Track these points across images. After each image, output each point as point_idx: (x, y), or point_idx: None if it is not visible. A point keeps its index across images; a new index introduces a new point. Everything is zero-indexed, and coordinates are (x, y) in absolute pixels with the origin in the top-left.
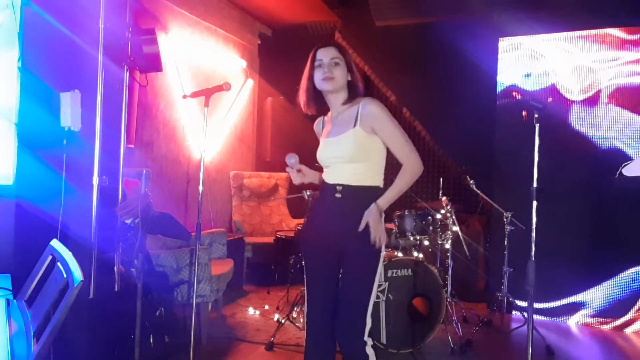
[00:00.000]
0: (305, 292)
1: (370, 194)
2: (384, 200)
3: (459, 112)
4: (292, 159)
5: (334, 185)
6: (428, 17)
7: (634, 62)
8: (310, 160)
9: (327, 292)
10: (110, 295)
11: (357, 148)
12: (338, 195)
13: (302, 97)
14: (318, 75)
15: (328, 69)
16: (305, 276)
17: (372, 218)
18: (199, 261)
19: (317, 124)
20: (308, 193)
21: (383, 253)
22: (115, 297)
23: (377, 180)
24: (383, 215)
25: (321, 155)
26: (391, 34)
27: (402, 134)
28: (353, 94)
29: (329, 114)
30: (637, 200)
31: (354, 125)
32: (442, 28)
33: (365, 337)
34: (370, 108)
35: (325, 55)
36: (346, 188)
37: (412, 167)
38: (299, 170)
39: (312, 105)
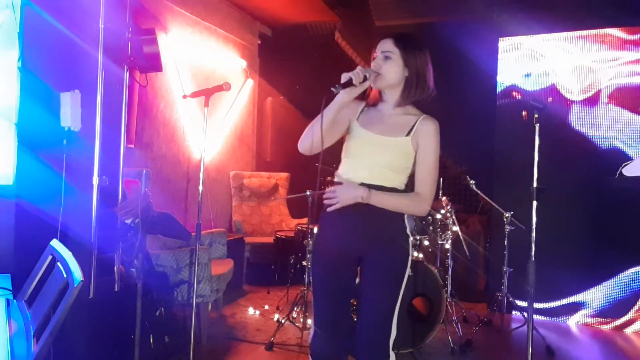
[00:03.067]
0: (315, 302)
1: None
2: (377, 197)
3: (459, 112)
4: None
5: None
6: (428, 17)
7: (634, 62)
8: (311, 160)
9: (341, 302)
10: (110, 295)
11: (401, 159)
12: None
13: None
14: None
15: (376, 63)
16: (314, 286)
17: (350, 193)
18: (199, 261)
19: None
20: (309, 193)
21: (411, 257)
22: (115, 297)
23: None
24: (361, 199)
25: (361, 149)
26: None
27: (435, 166)
28: (407, 95)
29: (373, 101)
30: (637, 200)
31: (407, 135)
32: (442, 28)
33: (391, 352)
34: (429, 123)
35: (380, 47)
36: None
37: (421, 200)
38: None
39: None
